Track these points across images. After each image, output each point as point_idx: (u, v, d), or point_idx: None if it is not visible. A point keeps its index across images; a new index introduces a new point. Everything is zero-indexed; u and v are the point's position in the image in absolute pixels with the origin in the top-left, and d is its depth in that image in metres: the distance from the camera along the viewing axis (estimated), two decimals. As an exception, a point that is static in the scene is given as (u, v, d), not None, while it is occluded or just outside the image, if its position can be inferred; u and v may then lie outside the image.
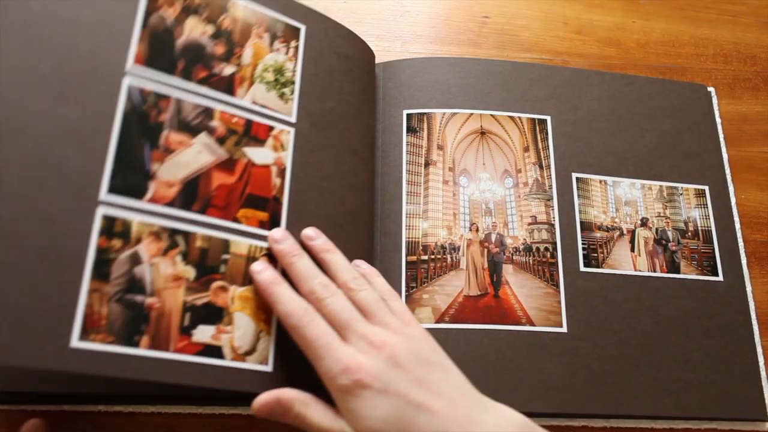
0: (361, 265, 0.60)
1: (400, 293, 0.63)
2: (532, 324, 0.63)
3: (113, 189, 0.50)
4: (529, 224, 0.67)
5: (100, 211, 0.49)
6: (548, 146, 0.70)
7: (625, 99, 0.74)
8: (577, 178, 0.69)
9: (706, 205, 0.71)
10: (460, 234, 0.66)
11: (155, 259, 0.51)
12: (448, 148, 0.69)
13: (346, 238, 0.60)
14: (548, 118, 0.71)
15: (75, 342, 0.46)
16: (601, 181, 0.70)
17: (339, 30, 0.67)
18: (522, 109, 0.71)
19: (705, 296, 0.66)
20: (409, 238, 0.65)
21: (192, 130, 0.55)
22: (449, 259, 0.65)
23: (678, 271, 0.67)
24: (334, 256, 0.57)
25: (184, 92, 0.56)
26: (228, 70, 0.59)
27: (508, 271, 0.65)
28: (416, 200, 0.66)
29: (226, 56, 0.59)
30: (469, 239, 0.66)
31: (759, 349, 0.65)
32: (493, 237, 0.66)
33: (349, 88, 0.66)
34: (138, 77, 0.54)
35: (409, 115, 0.69)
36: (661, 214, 0.70)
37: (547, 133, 0.71)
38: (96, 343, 0.47)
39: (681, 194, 0.71)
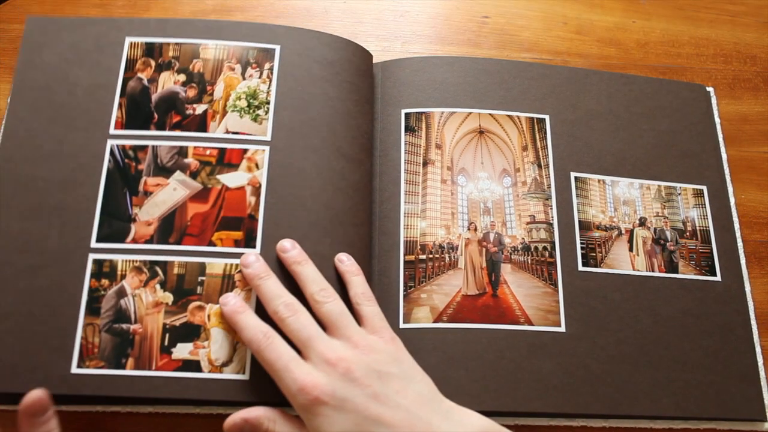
0: (345, 260, 0.60)
1: (398, 293, 0.63)
2: (530, 323, 0.62)
3: (101, 238, 0.60)
4: (528, 223, 0.67)
5: (91, 257, 0.60)
6: (547, 145, 0.70)
7: (624, 98, 0.74)
8: (575, 178, 0.69)
9: (704, 205, 0.70)
10: (459, 233, 0.66)
11: (137, 290, 0.59)
12: (447, 147, 0.69)
13: (332, 242, 0.61)
14: (547, 117, 0.71)
15: (74, 369, 0.56)
16: (599, 181, 0.69)
17: (321, 38, 0.68)
18: (520, 108, 0.71)
19: (703, 296, 0.65)
20: (407, 237, 0.65)
21: (167, 171, 0.63)
22: (447, 259, 0.65)
23: (676, 271, 0.67)
24: (304, 268, 0.58)
25: (160, 140, 0.64)
26: (200, 108, 0.66)
27: (506, 270, 0.65)
28: (414, 199, 0.66)
29: (198, 97, 0.66)
30: (467, 238, 0.66)
31: (758, 349, 0.65)
32: (492, 236, 0.66)
33: (335, 93, 0.66)
34: (119, 138, 0.64)
35: (407, 115, 0.69)
36: (660, 214, 0.69)
37: (545, 132, 0.70)
38: (91, 369, 0.56)
39: (679, 194, 0.70)
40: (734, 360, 0.63)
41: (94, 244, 0.60)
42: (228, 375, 0.57)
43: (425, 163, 0.68)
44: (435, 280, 0.64)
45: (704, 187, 0.71)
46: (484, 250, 0.66)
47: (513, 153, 0.69)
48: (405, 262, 0.64)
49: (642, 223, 0.69)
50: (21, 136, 0.63)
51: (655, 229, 0.69)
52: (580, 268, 0.65)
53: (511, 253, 0.66)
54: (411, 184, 0.67)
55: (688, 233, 0.69)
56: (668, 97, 0.74)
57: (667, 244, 0.68)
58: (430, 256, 0.64)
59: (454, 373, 0.59)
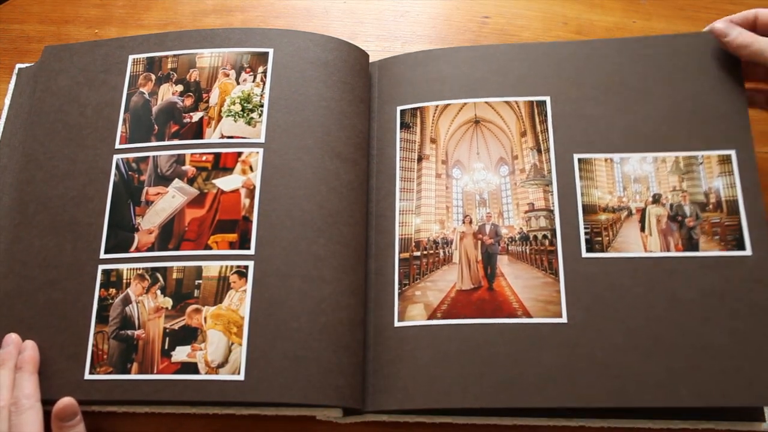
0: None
1: (393, 291, 0.62)
2: (528, 316, 0.60)
3: (109, 249, 0.63)
4: (526, 212, 0.64)
5: (101, 268, 0.63)
6: (547, 128, 0.66)
7: (637, 65, 0.67)
8: (579, 159, 0.65)
9: (732, 172, 0.63)
10: (453, 227, 0.65)
11: (140, 297, 0.62)
12: (441, 140, 0.68)
13: (327, 241, 0.62)
14: (547, 99, 0.67)
15: (87, 375, 0.60)
16: (606, 160, 0.65)
17: (315, 40, 0.69)
18: (518, 93, 0.68)
19: (729, 274, 0.59)
20: (402, 235, 0.64)
21: (166, 180, 0.65)
22: (442, 254, 0.64)
23: (696, 249, 0.61)
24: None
25: (160, 150, 0.66)
26: (197, 116, 0.67)
27: (503, 262, 0.63)
28: (409, 196, 0.65)
29: (194, 106, 0.68)
30: (462, 232, 0.64)
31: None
32: (488, 228, 0.65)
33: (329, 93, 0.67)
34: (124, 152, 0.66)
35: (402, 111, 0.68)
36: (677, 188, 0.64)
37: (546, 115, 0.67)
38: (101, 375, 0.59)
39: (701, 163, 0.64)
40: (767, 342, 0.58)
41: (102, 255, 0.63)
42: (224, 376, 0.58)
43: (420, 159, 0.67)
44: (429, 277, 0.63)
45: (732, 152, 0.63)
46: (479, 242, 0.64)
47: (511, 140, 0.67)
48: (400, 259, 0.63)
49: (656, 200, 0.64)
50: (40, 158, 0.67)
51: (671, 205, 0.63)
52: (584, 254, 0.62)
53: (508, 244, 0.64)
54: (406, 181, 0.66)
55: (711, 206, 0.63)
56: (689, 56, 0.67)
57: (686, 220, 0.63)
58: (425, 252, 0.63)
59: (449, 371, 0.58)
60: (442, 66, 0.70)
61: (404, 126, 0.68)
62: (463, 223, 0.65)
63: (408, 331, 0.60)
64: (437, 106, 0.68)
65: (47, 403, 0.58)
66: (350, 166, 0.65)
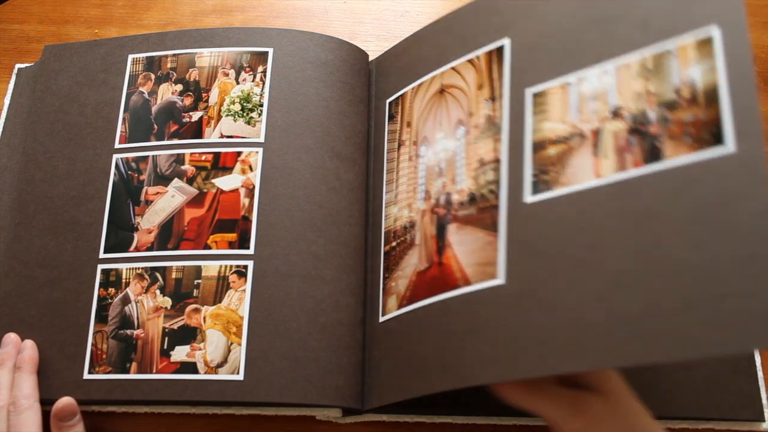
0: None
1: (379, 287, 0.62)
2: (468, 283, 0.52)
3: (108, 249, 0.63)
4: (475, 170, 0.56)
5: (100, 268, 0.63)
6: (503, 73, 0.57)
7: None
8: (534, 94, 0.54)
9: (712, 54, 0.46)
10: (417, 207, 0.60)
11: (140, 296, 0.62)
12: (414, 122, 0.64)
13: (326, 241, 0.61)
14: (506, 42, 0.57)
15: (86, 375, 0.59)
16: (562, 86, 0.52)
17: (314, 39, 0.69)
18: (479, 45, 0.60)
19: (707, 181, 0.44)
20: (386, 228, 0.63)
21: (166, 179, 0.65)
22: (408, 238, 0.60)
23: (658, 158, 0.46)
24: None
25: (159, 149, 0.66)
26: (196, 115, 0.67)
27: (451, 231, 0.56)
28: (392, 187, 0.64)
29: (194, 105, 0.68)
30: (422, 210, 0.59)
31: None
32: (442, 199, 0.58)
33: (329, 93, 0.67)
34: (124, 152, 0.66)
35: (390, 104, 0.67)
36: (641, 93, 0.49)
37: (502, 59, 0.57)
38: (100, 374, 0.59)
39: (675, 56, 0.48)
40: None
41: (102, 255, 0.63)
42: (223, 376, 0.58)
43: (399, 147, 0.65)
44: (399, 265, 0.60)
45: (715, 29, 0.46)
46: (435, 216, 0.58)
47: (468, 97, 0.59)
48: (384, 253, 0.62)
49: (616, 114, 0.49)
50: (40, 158, 0.67)
51: (633, 116, 0.49)
52: (526, 198, 0.51)
53: (457, 210, 0.56)
54: (390, 173, 0.64)
55: (684, 102, 0.46)
56: None
57: (649, 128, 0.47)
58: (398, 240, 0.61)
59: (418, 359, 0.54)
60: (421, 47, 0.66)
61: (391, 118, 0.67)
62: (425, 200, 0.59)
63: (389, 324, 0.59)
64: (413, 89, 0.65)
65: (46, 402, 0.58)
66: (350, 165, 0.65)
